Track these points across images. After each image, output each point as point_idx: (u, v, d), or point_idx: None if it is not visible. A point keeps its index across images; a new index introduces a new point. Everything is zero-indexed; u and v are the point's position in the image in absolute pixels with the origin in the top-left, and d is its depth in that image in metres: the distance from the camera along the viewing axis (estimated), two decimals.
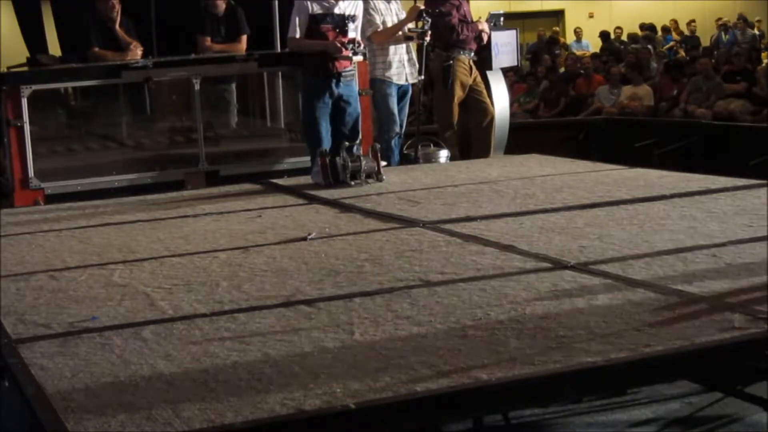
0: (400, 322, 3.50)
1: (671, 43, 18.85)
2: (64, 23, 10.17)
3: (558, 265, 4.19)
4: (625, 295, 3.67)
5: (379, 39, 8.02)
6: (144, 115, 8.60)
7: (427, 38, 8.15)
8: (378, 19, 8.11)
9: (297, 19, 7.40)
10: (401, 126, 8.28)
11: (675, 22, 20.81)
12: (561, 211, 5.41)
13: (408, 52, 8.22)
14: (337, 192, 6.48)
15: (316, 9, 7.36)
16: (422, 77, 8.19)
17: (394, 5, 8.31)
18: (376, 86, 8.10)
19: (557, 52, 17.93)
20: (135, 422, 2.73)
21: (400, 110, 8.28)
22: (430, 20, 8.08)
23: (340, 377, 2.97)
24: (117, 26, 8.19)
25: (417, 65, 8.36)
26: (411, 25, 8.35)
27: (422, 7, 8.13)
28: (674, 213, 5.18)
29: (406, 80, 8.21)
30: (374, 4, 8.10)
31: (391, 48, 8.17)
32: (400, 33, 8.17)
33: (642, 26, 20.67)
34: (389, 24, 8.19)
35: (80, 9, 8.57)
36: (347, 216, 5.73)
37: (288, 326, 3.54)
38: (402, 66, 8.19)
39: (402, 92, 8.29)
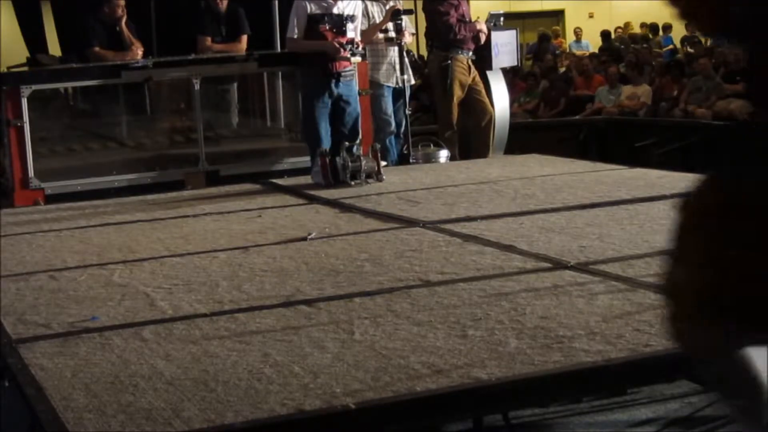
0: (400, 322, 3.50)
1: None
2: (64, 23, 10.17)
3: (558, 265, 4.19)
4: (625, 295, 3.68)
5: (361, 41, 7.96)
6: (144, 115, 8.60)
7: (405, 39, 8.10)
8: (365, 22, 8.08)
9: (295, 20, 7.39)
10: (399, 126, 8.27)
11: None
12: (561, 211, 5.41)
13: (402, 55, 8.16)
14: (337, 192, 6.48)
15: (314, 9, 7.35)
16: (404, 77, 8.14)
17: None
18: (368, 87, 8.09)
19: (557, 52, 17.92)
20: (135, 422, 2.73)
21: (396, 111, 8.26)
22: (404, 18, 8.07)
23: (340, 377, 2.97)
24: (123, 25, 8.19)
25: (411, 67, 8.35)
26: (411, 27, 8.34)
27: (397, 6, 8.09)
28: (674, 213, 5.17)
29: (397, 83, 8.17)
30: (364, 5, 8.08)
31: (381, 49, 8.15)
32: (381, 35, 8.11)
33: (642, 25, 20.63)
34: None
35: (82, 8, 8.57)
36: (347, 216, 5.73)
37: (288, 326, 3.54)
38: (392, 68, 8.16)
39: (396, 93, 8.26)
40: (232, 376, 3.04)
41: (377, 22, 8.15)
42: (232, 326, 3.58)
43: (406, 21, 8.29)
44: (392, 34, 8.02)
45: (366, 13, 8.10)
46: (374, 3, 8.20)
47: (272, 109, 9.16)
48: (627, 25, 21.01)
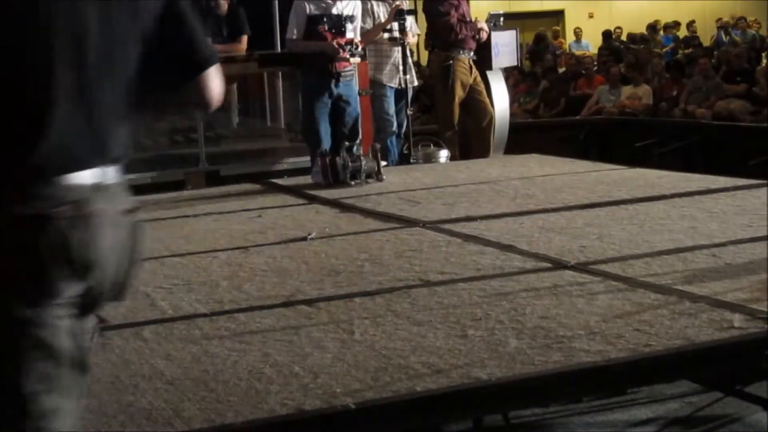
0: (400, 322, 3.50)
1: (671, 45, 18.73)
2: None
3: (558, 265, 4.19)
4: (625, 295, 3.67)
5: (362, 41, 7.94)
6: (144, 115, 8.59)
7: (408, 39, 8.09)
8: (370, 22, 8.08)
9: (295, 21, 7.40)
10: (400, 127, 8.26)
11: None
12: (561, 211, 5.41)
13: (405, 55, 8.15)
14: (337, 192, 6.48)
15: (313, 10, 7.35)
16: (407, 77, 8.14)
17: None
18: (370, 87, 8.08)
19: (557, 52, 17.92)
20: (135, 422, 2.73)
21: (398, 111, 8.26)
22: (409, 19, 8.07)
23: (340, 377, 2.97)
24: None
25: (413, 68, 8.36)
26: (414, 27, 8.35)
27: (401, 6, 8.06)
28: (674, 213, 5.18)
29: (400, 84, 8.17)
30: (370, 5, 8.08)
31: (384, 50, 8.14)
32: (385, 35, 8.08)
33: (649, 26, 20.62)
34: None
35: None
36: (347, 216, 5.73)
37: (288, 326, 3.54)
38: (395, 68, 8.15)
39: (398, 94, 8.25)
40: (232, 376, 3.04)
41: (381, 21, 8.14)
42: (232, 326, 3.58)
43: (411, 21, 8.29)
44: (396, 33, 8.00)
45: (371, 13, 8.10)
46: (380, 3, 8.19)
47: (272, 109, 9.17)
48: (618, 29, 20.96)
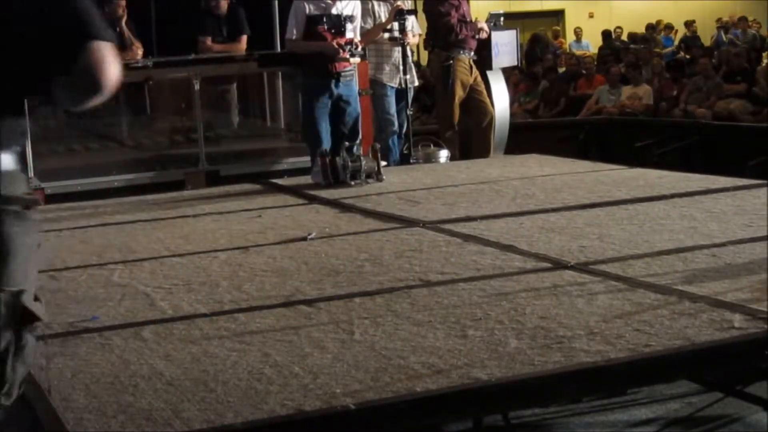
0: (400, 322, 3.50)
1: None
2: None
3: (558, 265, 4.19)
4: (625, 295, 3.67)
5: (362, 41, 7.92)
6: (144, 115, 8.61)
7: (409, 39, 8.08)
8: (370, 22, 8.07)
9: (294, 21, 7.40)
10: (401, 127, 8.26)
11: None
12: (561, 211, 5.41)
13: (405, 55, 8.14)
14: (337, 192, 6.48)
15: (313, 10, 7.35)
16: (407, 77, 8.13)
17: None
18: (371, 87, 8.08)
19: (558, 52, 17.92)
20: (135, 422, 2.73)
21: (399, 111, 8.26)
22: (410, 19, 8.07)
23: (340, 377, 2.97)
24: (123, 25, 8.19)
25: (413, 68, 8.36)
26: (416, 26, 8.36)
27: (401, 6, 8.04)
28: (674, 213, 5.18)
29: (400, 84, 8.16)
30: (370, 5, 8.07)
31: (385, 50, 8.14)
32: (386, 35, 8.06)
33: (648, 26, 20.64)
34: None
35: None
36: (347, 216, 5.73)
37: (288, 326, 3.54)
38: (395, 68, 8.15)
39: (398, 94, 8.24)
40: (232, 376, 3.04)
41: (381, 20, 8.13)
42: (232, 326, 3.58)
43: (413, 21, 8.28)
44: (397, 33, 8.00)
45: (372, 13, 8.09)
46: (381, 3, 8.19)
47: (272, 109, 9.17)
48: (618, 29, 20.98)
